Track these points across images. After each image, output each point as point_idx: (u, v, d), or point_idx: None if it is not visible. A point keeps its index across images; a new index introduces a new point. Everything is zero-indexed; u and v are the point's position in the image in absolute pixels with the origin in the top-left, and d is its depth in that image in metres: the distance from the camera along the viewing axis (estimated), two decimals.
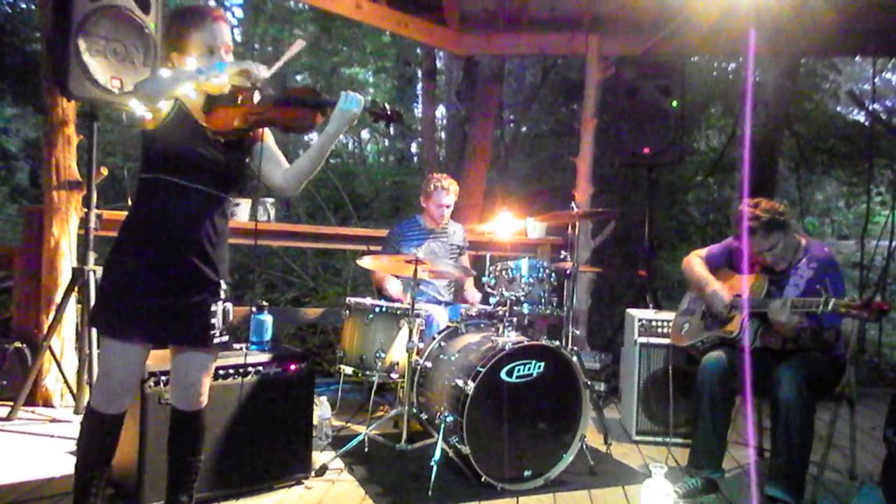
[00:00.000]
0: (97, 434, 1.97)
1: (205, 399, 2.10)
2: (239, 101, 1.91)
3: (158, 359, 2.29)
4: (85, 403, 3.12)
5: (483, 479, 2.77)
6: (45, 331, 3.48)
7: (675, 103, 4.77)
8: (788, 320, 2.64)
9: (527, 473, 2.88)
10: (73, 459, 2.00)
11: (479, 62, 6.65)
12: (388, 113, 2.05)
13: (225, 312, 2.04)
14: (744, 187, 5.29)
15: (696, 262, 3.18)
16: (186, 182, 1.92)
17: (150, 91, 1.85)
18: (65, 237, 3.62)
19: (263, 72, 1.89)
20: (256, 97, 1.91)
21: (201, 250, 1.97)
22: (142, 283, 1.91)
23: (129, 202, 2.04)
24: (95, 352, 3.21)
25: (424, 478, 2.74)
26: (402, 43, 9.72)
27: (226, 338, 2.07)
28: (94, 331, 3.15)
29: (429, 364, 3.18)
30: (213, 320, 2.00)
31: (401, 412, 3.08)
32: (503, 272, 3.26)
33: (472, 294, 4.03)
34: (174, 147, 1.91)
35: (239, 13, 11.45)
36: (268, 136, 2.13)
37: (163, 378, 2.37)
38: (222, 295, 2.04)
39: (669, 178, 8.02)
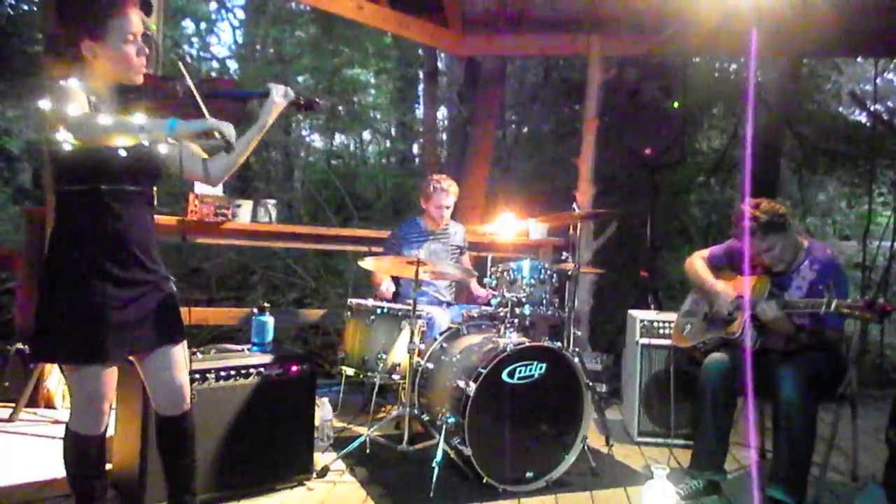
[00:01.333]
0: (87, 456, 1.95)
1: (188, 400, 2.07)
2: (160, 96, 1.87)
3: None
4: None
5: (485, 481, 2.78)
6: None
7: (676, 104, 4.79)
8: (775, 316, 2.66)
9: (528, 475, 2.88)
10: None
11: (481, 63, 6.64)
12: (304, 102, 2.08)
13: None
14: (745, 188, 5.29)
15: (698, 262, 3.17)
16: (122, 186, 1.86)
17: (84, 135, 1.71)
18: None
19: (232, 130, 1.77)
20: (179, 89, 1.86)
21: (149, 250, 1.95)
22: (112, 301, 1.85)
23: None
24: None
25: (426, 479, 2.73)
26: (403, 44, 9.70)
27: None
28: None
29: (430, 365, 3.18)
30: (179, 313, 2.02)
31: (402, 413, 3.08)
32: (504, 273, 3.26)
33: (478, 290, 4.04)
34: (102, 155, 1.79)
35: (241, 14, 11.46)
36: None
37: None
38: (173, 288, 2.03)
39: (671, 178, 8.00)
